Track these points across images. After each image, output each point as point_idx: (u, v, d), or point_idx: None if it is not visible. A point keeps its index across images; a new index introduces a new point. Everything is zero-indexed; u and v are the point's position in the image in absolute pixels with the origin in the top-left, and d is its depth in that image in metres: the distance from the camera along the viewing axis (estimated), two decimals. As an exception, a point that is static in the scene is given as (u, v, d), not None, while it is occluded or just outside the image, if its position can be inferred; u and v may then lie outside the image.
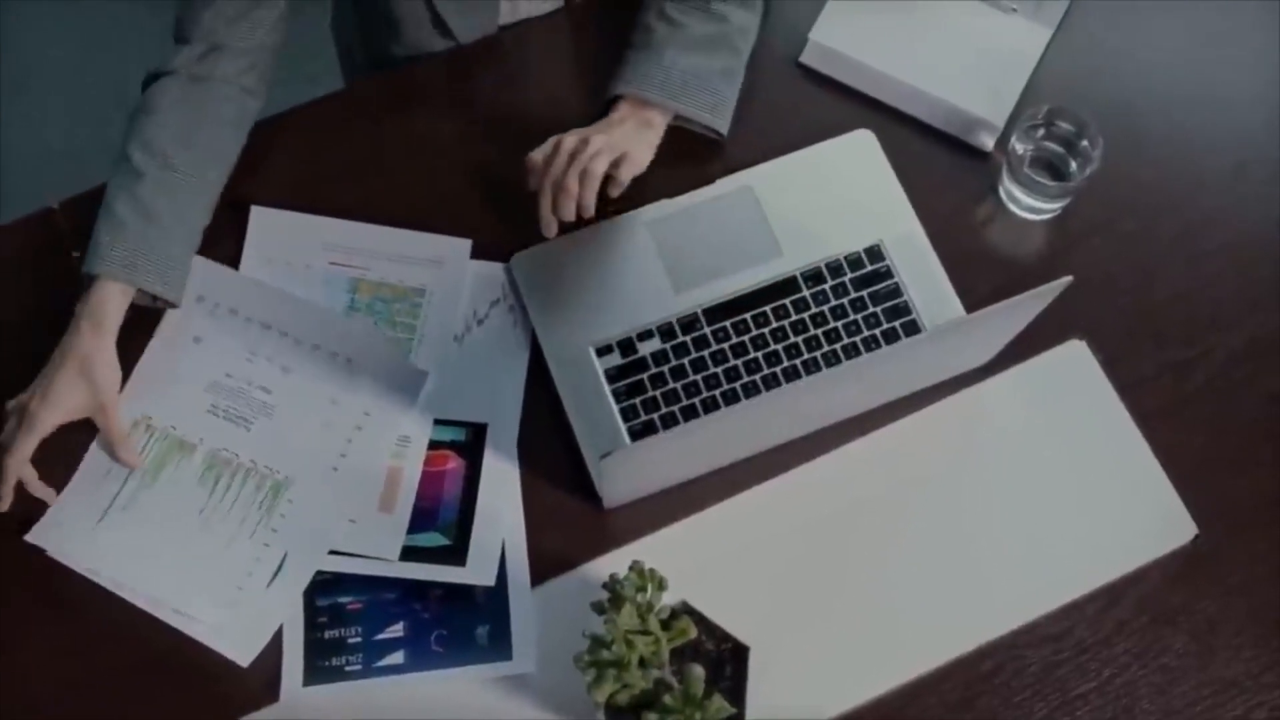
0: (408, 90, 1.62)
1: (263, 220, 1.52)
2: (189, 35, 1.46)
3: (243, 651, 1.34)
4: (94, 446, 1.41)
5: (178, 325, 1.47)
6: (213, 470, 1.40)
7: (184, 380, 1.44)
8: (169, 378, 1.44)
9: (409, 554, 1.37)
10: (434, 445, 1.42)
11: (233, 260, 1.49)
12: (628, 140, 1.47)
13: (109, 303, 1.39)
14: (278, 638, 1.34)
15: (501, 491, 1.40)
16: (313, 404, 1.44)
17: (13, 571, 1.37)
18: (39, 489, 1.37)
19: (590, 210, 1.46)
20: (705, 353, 1.45)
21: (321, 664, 1.33)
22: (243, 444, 1.42)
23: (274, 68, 1.53)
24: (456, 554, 1.37)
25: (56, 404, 1.36)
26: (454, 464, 1.41)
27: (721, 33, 1.52)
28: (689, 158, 1.55)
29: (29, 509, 1.38)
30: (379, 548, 1.37)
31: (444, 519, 1.39)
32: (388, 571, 1.36)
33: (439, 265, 1.49)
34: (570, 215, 1.45)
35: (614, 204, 1.50)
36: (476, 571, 1.36)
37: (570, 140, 1.45)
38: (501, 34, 1.63)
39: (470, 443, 1.42)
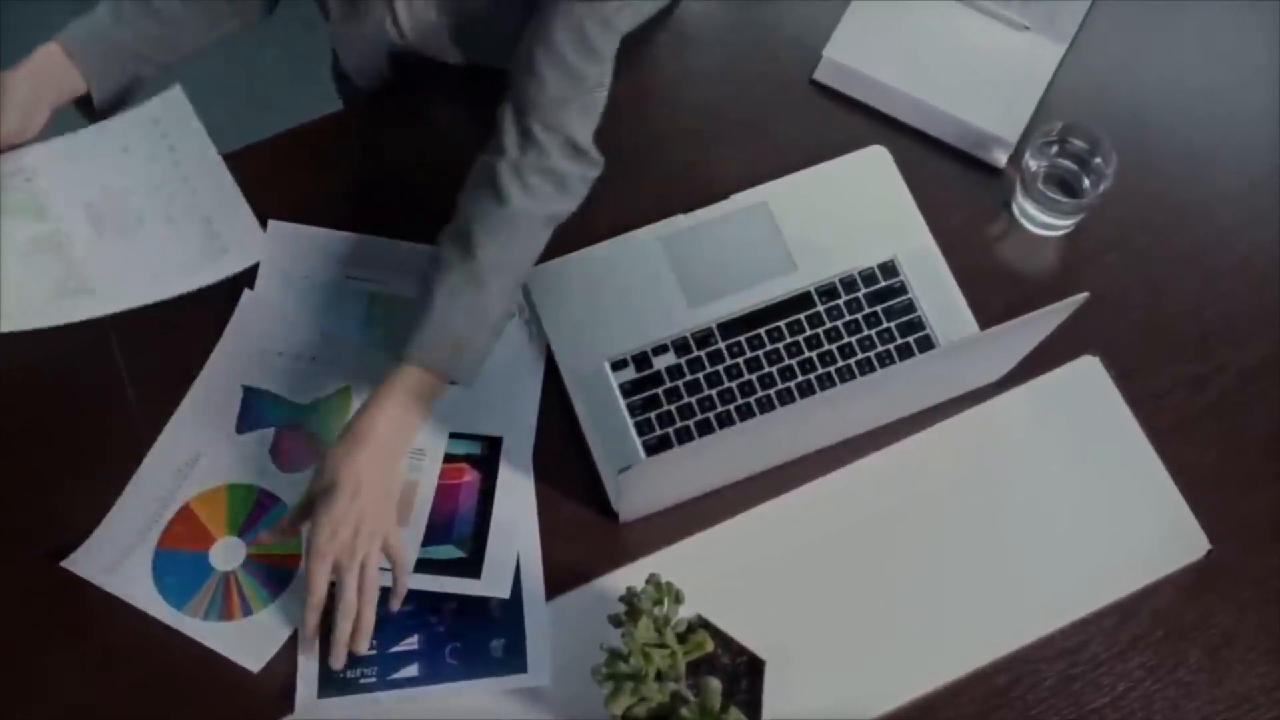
0: (421, 105, 1.62)
1: (279, 234, 1.52)
2: None
3: (253, 659, 1.34)
4: (135, 480, 1.41)
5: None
6: None
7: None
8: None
9: (424, 566, 1.37)
10: (449, 458, 1.42)
11: (249, 276, 1.50)
12: (378, 508, 1.34)
13: (54, 65, 1.48)
14: (292, 649, 1.34)
15: (517, 504, 1.41)
16: None
17: (29, 586, 1.37)
18: None
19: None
20: (720, 367, 1.46)
21: (336, 676, 1.33)
22: None
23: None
24: (471, 566, 1.37)
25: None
26: (469, 477, 1.41)
27: (468, 269, 1.37)
28: (703, 173, 1.56)
29: (64, 537, 1.38)
30: None
31: (459, 532, 1.39)
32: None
33: None
34: (362, 646, 1.34)
35: (629, 219, 1.51)
36: (491, 584, 1.36)
37: (346, 559, 1.32)
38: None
39: (486, 456, 1.42)
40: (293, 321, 1.48)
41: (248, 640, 1.35)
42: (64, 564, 1.35)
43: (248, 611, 1.36)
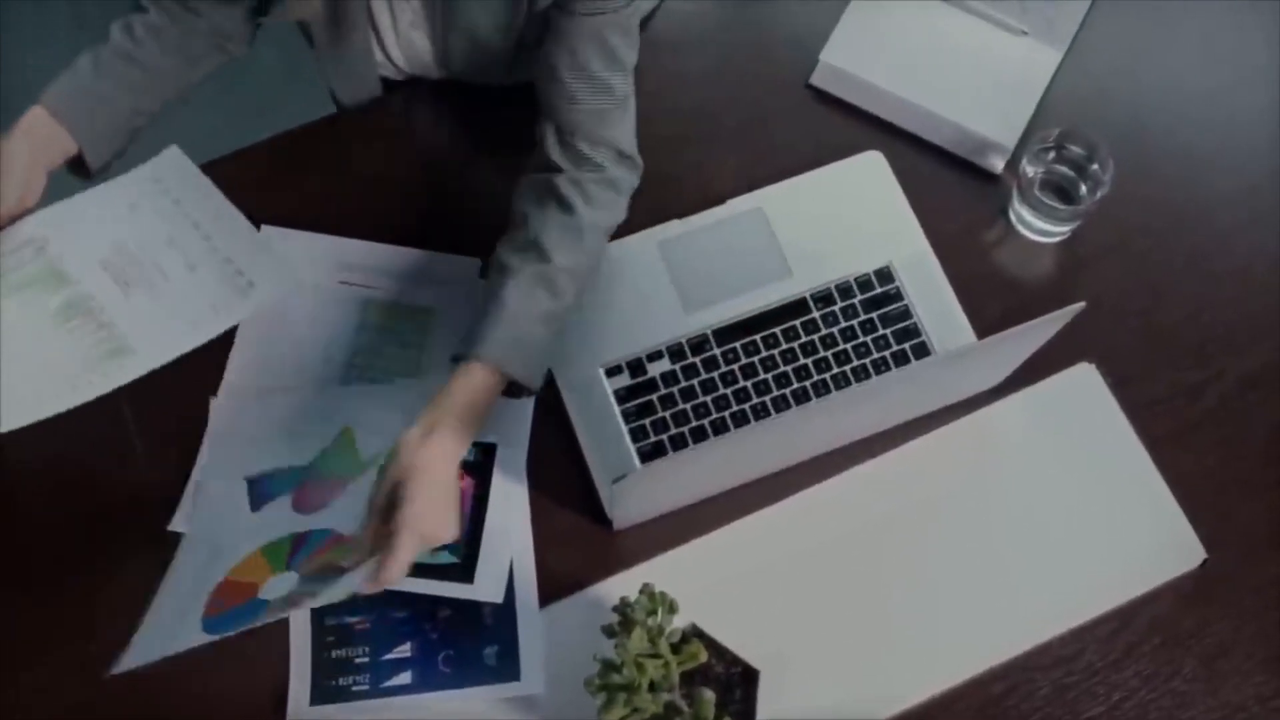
0: (414, 110, 1.62)
1: (272, 239, 1.51)
2: None
3: None
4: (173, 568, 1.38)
5: (122, 191, 1.50)
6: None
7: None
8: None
9: (417, 570, 1.35)
10: (445, 464, 1.42)
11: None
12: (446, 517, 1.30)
13: (41, 127, 1.43)
14: (285, 655, 1.34)
15: (510, 511, 1.40)
16: None
17: (21, 591, 1.37)
18: None
19: None
20: (715, 374, 1.45)
21: (328, 683, 1.33)
22: None
23: (249, 29, 1.54)
24: (465, 571, 1.37)
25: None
26: (463, 483, 1.40)
27: (542, 273, 1.37)
28: (699, 178, 1.55)
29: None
30: None
31: (453, 536, 1.39)
32: (396, 586, 1.35)
33: (448, 284, 1.49)
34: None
35: (624, 225, 1.50)
36: (484, 589, 1.36)
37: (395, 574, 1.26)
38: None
39: (480, 462, 1.42)
40: (265, 408, 1.46)
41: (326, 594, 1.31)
42: (115, 670, 1.25)
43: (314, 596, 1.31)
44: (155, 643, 1.29)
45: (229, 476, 1.42)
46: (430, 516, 1.26)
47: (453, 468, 1.30)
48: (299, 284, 1.50)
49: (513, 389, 1.37)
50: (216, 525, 1.40)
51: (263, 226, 1.51)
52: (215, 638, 1.26)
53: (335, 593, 1.23)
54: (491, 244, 1.44)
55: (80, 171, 1.48)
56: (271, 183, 1.54)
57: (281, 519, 1.38)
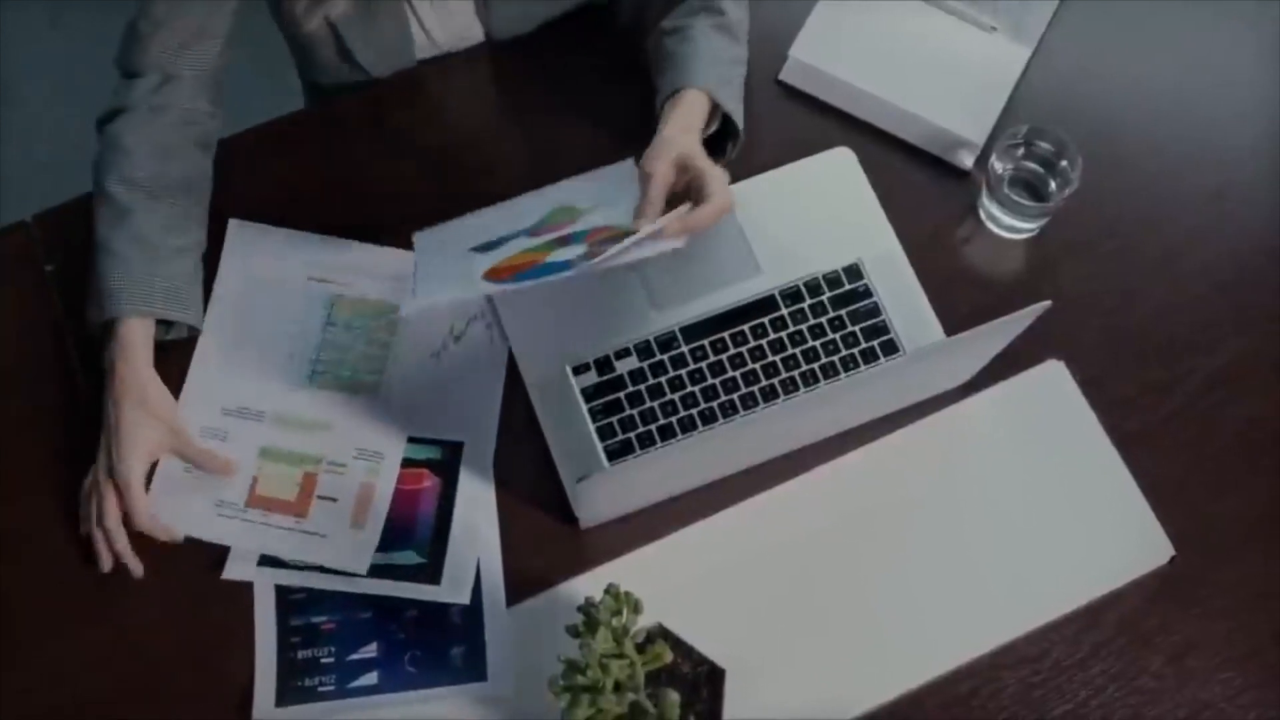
0: (382, 106, 1.61)
1: (240, 234, 1.51)
2: (139, 68, 1.46)
3: None
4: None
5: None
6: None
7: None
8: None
9: (383, 571, 1.36)
10: (409, 463, 1.41)
11: (208, 274, 1.48)
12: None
13: (135, 338, 1.38)
14: (250, 657, 1.33)
15: (477, 510, 1.40)
16: None
17: (10, 598, 1.37)
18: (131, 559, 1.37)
19: None
20: (683, 371, 1.45)
21: (294, 684, 1.32)
22: None
23: (223, 86, 1.52)
24: (431, 572, 1.36)
25: (135, 451, 1.35)
26: (429, 482, 1.40)
27: (723, 25, 1.50)
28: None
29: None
30: (348, 562, 1.36)
31: (419, 537, 1.38)
32: (362, 588, 1.35)
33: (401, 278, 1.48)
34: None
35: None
36: (451, 590, 1.35)
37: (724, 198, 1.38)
38: (477, 51, 1.63)
39: (446, 461, 1.41)
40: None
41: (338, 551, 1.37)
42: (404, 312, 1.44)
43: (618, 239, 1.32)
44: (441, 283, 1.34)
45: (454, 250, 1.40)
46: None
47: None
48: (266, 280, 1.49)
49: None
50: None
51: (230, 221, 1.50)
52: (511, 287, 1.31)
53: (642, 250, 1.30)
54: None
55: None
56: (238, 177, 1.53)
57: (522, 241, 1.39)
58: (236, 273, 1.49)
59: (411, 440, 1.42)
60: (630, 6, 1.60)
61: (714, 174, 1.36)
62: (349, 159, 1.57)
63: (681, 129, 1.41)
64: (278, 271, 1.50)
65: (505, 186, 1.45)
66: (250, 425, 1.43)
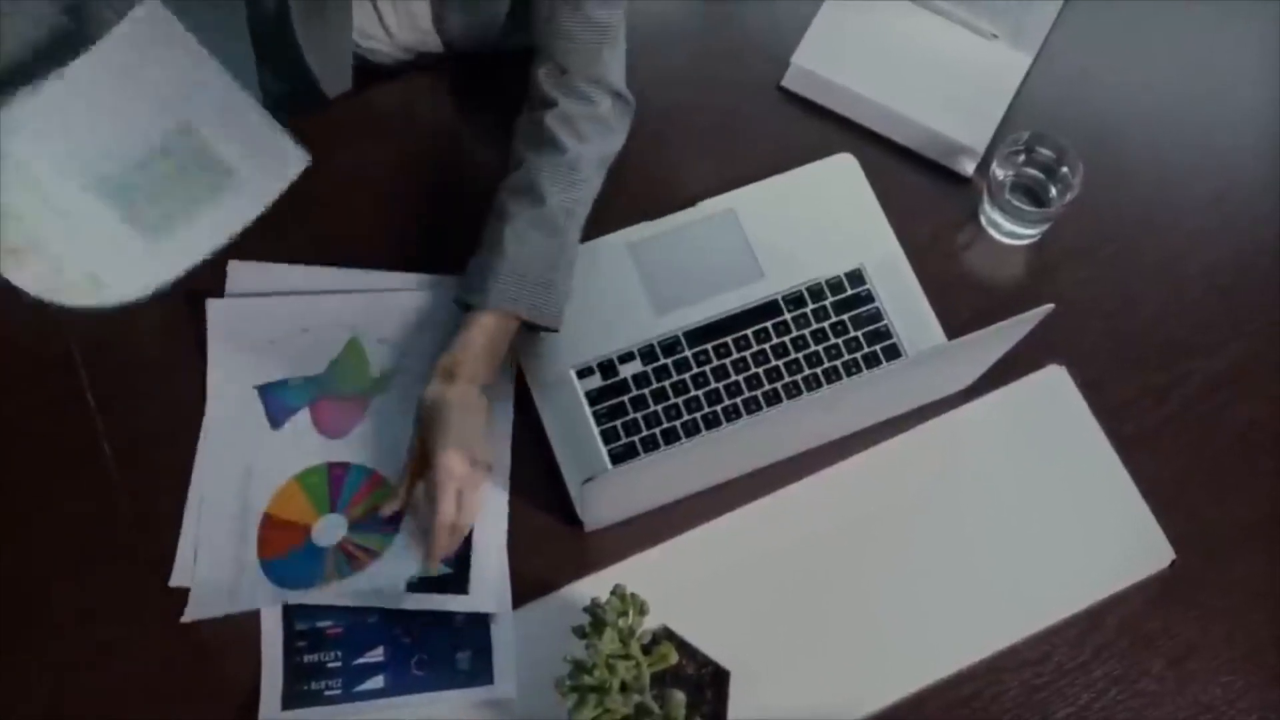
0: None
1: (221, 312, 1.48)
2: None
3: (403, 577, 1.37)
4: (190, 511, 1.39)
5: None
6: None
7: None
8: None
9: (412, 585, 1.36)
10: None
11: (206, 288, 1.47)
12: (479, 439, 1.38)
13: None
14: (256, 661, 1.33)
15: (492, 514, 1.40)
16: None
17: (13, 597, 1.37)
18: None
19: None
20: (686, 375, 1.45)
21: (301, 688, 1.32)
22: None
23: None
24: (458, 582, 1.36)
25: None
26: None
27: (539, 215, 1.42)
28: (671, 180, 1.55)
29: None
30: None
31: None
32: (396, 604, 1.36)
33: (422, 305, 1.48)
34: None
35: (595, 226, 1.50)
36: (480, 598, 1.35)
37: (449, 506, 1.34)
38: (431, 68, 1.63)
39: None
40: (270, 307, 1.47)
41: (389, 571, 1.36)
42: (184, 619, 1.34)
43: (375, 555, 1.37)
44: (212, 584, 1.35)
45: (240, 383, 1.44)
46: (463, 452, 1.33)
47: (481, 399, 1.37)
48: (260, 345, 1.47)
49: (534, 324, 1.41)
50: (239, 439, 1.42)
51: (230, 262, 1.48)
52: (286, 590, 1.35)
53: (395, 573, 1.35)
54: (466, 247, 1.45)
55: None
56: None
57: (309, 442, 1.42)
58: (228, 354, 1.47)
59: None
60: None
61: (443, 488, 1.33)
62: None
63: (446, 375, 1.37)
64: (268, 332, 1.48)
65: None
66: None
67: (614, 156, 1.51)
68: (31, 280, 1.12)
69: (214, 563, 1.37)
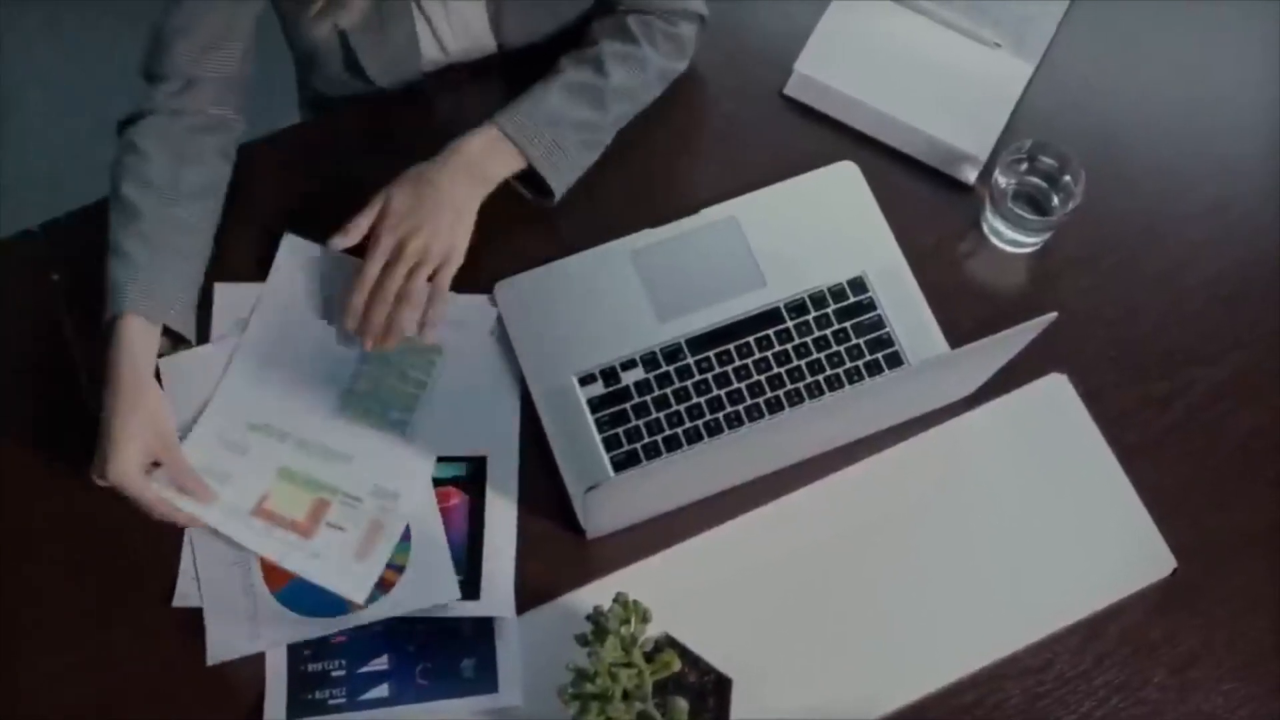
0: (383, 120, 1.61)
1: (292, 251, 1.50)
2: (163, 72, 1.46)
3: (445, 592, 1.36)
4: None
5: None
6: None
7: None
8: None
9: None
10: (437, 483, 1.41)
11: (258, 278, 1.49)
12: (449, 233, 1.44)
13: (135, 337, 1.37)
14: (260, 670, 1.33)
15: (502, 521, 1.40)
16: None
17: (15, 601, 1.37)
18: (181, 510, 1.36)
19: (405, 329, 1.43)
20: (689, 383, 1.46)
21: (305, 697, 1.32)
22: None
23: (248, 95, 1.52)
24: (469, 588, 1.36)
25: (124, 453, 1.32)
26: (457, 499, 1.40)
27: (594, 85, 1.50)
28: (673, 187, 1.56)
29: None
30: (346, 588, 1.35)
31: (454, 555, 1.38)
32: (405, 612, 1.36)
33: (461, 326, 1.48)
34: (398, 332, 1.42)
35: (598, 233, 1.50)
36: (491, 604, 1.35)
37: (400, 269, 1.41)
38: (484, 62, 1.64)
39: (472, 476, 1.41)
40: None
41: (423, 588, 1.36)
42: (210, 662, 1.33)
43: (400, 569, 1.36)
44: (228, 626, 1.35)
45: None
46: (414, 236, 1.41)
47: (464, 191, 1.44)
48: (310, 300, 1.48)
49: (535, 187, 1.48)
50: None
51: (286, 235, 1.50)
52: (311, 618, 1.35)
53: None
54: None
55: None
56: (248, 187, 1.53)
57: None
58: (283, 288, 1.48)
59: (438, 460, 1.42)
60: None
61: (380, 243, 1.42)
62: (350, 172, 1.55)
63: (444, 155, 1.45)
64: (325, 293, 1.49)
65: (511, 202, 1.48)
66: (273, 444, 1.42)
67: (674, 77, 1.58)
68: None
69: (218, 604, 1.36)
